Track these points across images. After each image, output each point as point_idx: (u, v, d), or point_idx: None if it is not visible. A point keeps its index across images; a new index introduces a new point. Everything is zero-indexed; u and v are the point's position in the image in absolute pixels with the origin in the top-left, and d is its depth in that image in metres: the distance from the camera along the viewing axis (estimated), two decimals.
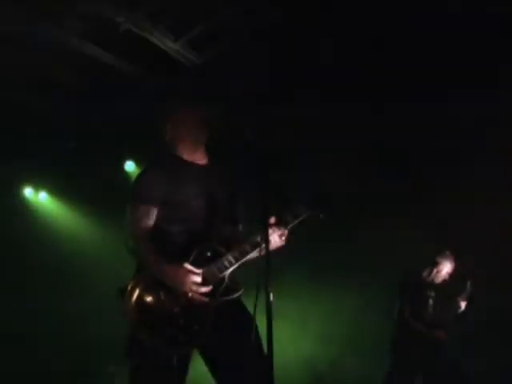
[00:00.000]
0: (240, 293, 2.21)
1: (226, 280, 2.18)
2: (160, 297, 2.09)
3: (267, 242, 1.91)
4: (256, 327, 2.09)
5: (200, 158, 2.41)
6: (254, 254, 2.21)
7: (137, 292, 2.08)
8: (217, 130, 2.36)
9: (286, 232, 2.28)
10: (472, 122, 4.48)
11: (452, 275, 4.50)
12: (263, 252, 2.14)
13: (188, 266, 2.10)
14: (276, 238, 2.24)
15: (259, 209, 1.97)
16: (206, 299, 2.10)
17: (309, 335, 5.34)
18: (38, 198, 6.03)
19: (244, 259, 2.21)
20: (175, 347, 2.07)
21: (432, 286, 4.48)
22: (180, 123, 2.38)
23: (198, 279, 2.09)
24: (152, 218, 2.22)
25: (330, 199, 2.34)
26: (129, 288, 2.07)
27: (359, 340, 5.19)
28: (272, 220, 2.24)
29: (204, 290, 2.10)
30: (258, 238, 2.11)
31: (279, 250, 2.30)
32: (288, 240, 2.30)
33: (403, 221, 4.87)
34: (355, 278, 5.07)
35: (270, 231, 2.17)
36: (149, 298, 2.09)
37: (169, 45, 4.34)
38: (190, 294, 2.09)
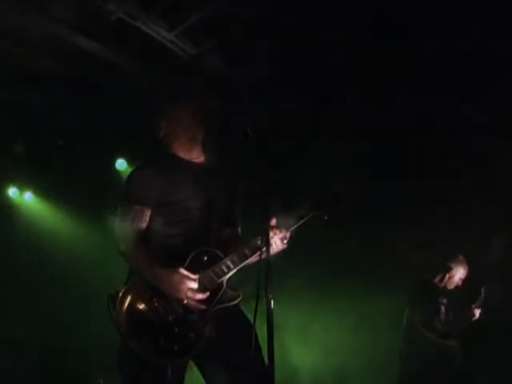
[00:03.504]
0: (238, 300, 2.19)
1: (224, 286, 2.16)
2: (153, 303, 2.07)
3: (268, 246, 1.88)
4: (256, 336, 2.07)
5: (197, 156, 2.39)
6: (253, 258, 2.19)
7: (128, 299, 2.06)
8: (215, 127, 2.35)
9: (288, 234, 2.26)
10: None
11: (465, 281, 4.48)
12: (263, 256, 2.18)
13: (183, 272, 2.08)
14: (277, 241, 2.22)
15: (260, 211, 1.94)
16: (202, 306, 2.08)
17: (311, 345, 5.32)
18: (23, 198, 6.01)
19: (243, 264, 2.18)
20: (170, 357, 2.04)
21: (444, 292, 4.45)
22: (175, 120, 2.36)
23: (194, 285, 2.08)
24: (145, 219, 2.21)
25: (333, 199, 2.32)
26: (120, 294, 2.05)
27: (364, 350, 5.18)
28: (273, 222, 2.22)
29: (200, 296, 2.08)
30: (258, 241, 2.11)
31: (280, 253, 2.28)
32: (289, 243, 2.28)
33: (410, 225, 4.90)
34: (362, 284, 5.07)
35: (271, 234, 2.16)
36: (141, 305, 2.07)
37: (163, 34, 4.33)
38: (185, 301, 2.07)
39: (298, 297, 5.21)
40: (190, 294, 2.05)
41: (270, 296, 1.79)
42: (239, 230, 2.46)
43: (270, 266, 1.84)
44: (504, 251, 4.53)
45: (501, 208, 4.65)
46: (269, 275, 1.82)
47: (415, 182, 5.01)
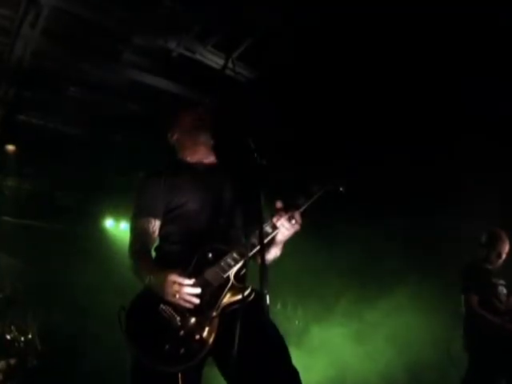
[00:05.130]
0: (246, 293, 2.10)
1: (231, 280, 2.14)
2: (158, 309, 2.11)
3: (263, 247, 1.88)
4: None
5: (204, 158, 2.50)
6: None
7: (135, 308, 2.14)
8: (218, 130, 2.47)
9: (297, 214, 2.18)
10: None
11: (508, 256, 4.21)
12: (273, 241, 2.23)
13: (173, 274, 2.07)
14: (285, 224, 2.17)
15: (254, 208, 1.97)
16: (203, 310, 2.07)
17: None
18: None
19: (251, 254, 2.12)
20: (176, 363, 2.04)
21: (497, 272, 4.19)
22: (177, 127, 2.55)
23: (187, 288, 2.06)
24: (153, 230, 2.32)
25: (343, 172, 2.25)
26: (128, 306, 2.14)
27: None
28: (278, 205, 2.20)
29: (195, 300, 2.06)
30: (266, 228, 2.13)
31: (293, 235, 2.24)
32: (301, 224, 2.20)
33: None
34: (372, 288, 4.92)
35: (277, 217, 2.16)
36: (147, 313, 2.11)
37: (221, 63, 4.66)
38: (181, 304, 2.06)
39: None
40: (184, 297, 2.04)
41: (266, 291, 1.78)
42: (245, 227, 2.39)
43: (265, 263, 1.84)
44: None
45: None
46: (264, 271, 1.81)
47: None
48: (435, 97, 4.56)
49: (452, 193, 5.00)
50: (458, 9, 3.63)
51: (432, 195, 5.24)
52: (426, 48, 4.09)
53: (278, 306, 5.99)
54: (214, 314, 2.11)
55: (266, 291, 1.80)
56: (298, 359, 2.10)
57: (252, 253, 2.13)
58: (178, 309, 2.10)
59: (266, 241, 2.11)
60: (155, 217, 2.34)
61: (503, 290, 4.10)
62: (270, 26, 4.23)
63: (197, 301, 2.07)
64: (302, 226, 2.22)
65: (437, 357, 5.13)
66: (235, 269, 2.15)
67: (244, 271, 2.16)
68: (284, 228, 2.18)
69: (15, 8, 3.95)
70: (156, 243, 2.38)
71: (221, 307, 2.12)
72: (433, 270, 5.14)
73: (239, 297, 2.11)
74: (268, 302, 1.80)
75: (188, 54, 4.58)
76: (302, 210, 2.21)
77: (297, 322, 5.56)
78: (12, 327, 5.21)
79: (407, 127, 4.94)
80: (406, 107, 4.74)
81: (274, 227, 2.19)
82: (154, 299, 2.12)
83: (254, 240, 2.12)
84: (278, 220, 2.17)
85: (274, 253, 2.35)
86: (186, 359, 2.05)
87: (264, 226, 2.12)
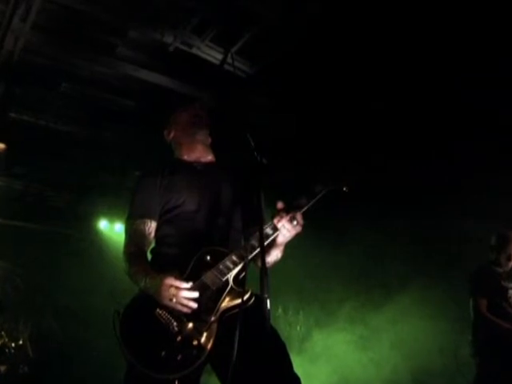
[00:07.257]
0: (245, 297, 2.05)
1: (230, 284, 2.12)
2: (155, 315, 2.09)
3: (263, 249, 1.85)
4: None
5: (202, 157, 2.50)
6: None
7: (130, 314, 2.12)
8: (216, 128, 2.47)
9: (299, 214, 2.17)
10: None
11: None
12: (274, 243, 2.21)
13: (170, 277, 2.06)
14: (287, 225, 2.15)
15: (254, 207, 1.98)
16: (203, 315, 2.06)
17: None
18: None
19: (250, 256, 2.11)
20: (172, 371, 2.01)
21: (507, 274, 4.20)
22: (174, 125, 2.56)
23: (185, 292, 2.05)
24: (149, 232, 2.32)
25: (347, 173, 2.25)
26: (122, 311, 2.11)
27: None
28: (280, 205, 2.18)
29: (193, 304, 2.04)
30: (267, 230, 2.12)
31: (295, 237, 2.22)
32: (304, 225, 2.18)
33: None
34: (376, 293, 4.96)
35: (278, 218, 2.15)
36: (142, 318, 2.09)
37: (219, 57, 4.66)
38: (178, 308, 2.05)
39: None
40: (182, 301, 2.03)
41: (266, 295, 1.77)
42: (245, 226, 2.40)
43: (265, 264, 1.80)
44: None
45: None
46: (265, 274, 1.79)
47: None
48: (437, 97, 4.57)
49: (457, 194, 5.02)
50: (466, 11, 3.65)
51: (437, 196, 5.26)
52: (426, 46, 4.09)
53: (279, 311, 6.00)
54: (213, 318, 2.09)
55: (266, 295, 1.79)
56: (299, 366, 2.10)
57: (252, 255, 2.12)
58: (175, 313, 2.08)
59: (266, 243, 2.08)
60: (151, 218, 2.33)
61: None
62: (269, 19, 4.24)
63: (194, 305, 2.06)
64: (304, 227, 2.20)
65: (443, 363, 5.14)
66: (234, 272, 2.14)
67: (243, 274, 2.13)
68: (285, 229, 2.17)
69: (5, 0, 3.95)
70: (152, 245, 2.37)
71: (219, 312, 2.11)
72: (438, 273, 5.15)
73: (238, 301, 2.07)
74: (269, 306, 1.79)
75: (185, 48, 4.59)
76: (303, 210, 2.19)
77: (298, 328, 5.57)
78: (2, 333, 5.21)
79: (410, 127, 4.95)
80: (407, 107, 4.75)
81: (275, 229, 2.17)
82: (149, 303, 2.10)
83: (254, 242, 2.11)
84: (279, 221, 2.16)
85: (274, 255, 2.33)
86: (184, 366, 2.02)
87: (264, 227, 2.11)
